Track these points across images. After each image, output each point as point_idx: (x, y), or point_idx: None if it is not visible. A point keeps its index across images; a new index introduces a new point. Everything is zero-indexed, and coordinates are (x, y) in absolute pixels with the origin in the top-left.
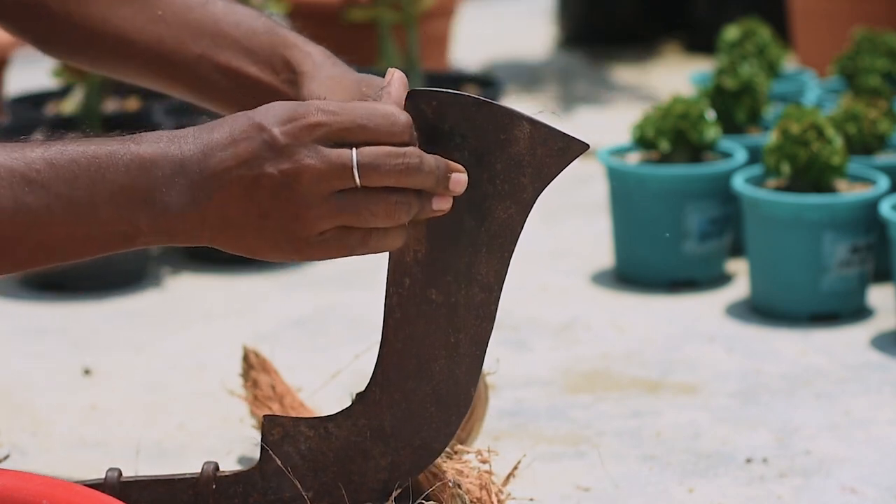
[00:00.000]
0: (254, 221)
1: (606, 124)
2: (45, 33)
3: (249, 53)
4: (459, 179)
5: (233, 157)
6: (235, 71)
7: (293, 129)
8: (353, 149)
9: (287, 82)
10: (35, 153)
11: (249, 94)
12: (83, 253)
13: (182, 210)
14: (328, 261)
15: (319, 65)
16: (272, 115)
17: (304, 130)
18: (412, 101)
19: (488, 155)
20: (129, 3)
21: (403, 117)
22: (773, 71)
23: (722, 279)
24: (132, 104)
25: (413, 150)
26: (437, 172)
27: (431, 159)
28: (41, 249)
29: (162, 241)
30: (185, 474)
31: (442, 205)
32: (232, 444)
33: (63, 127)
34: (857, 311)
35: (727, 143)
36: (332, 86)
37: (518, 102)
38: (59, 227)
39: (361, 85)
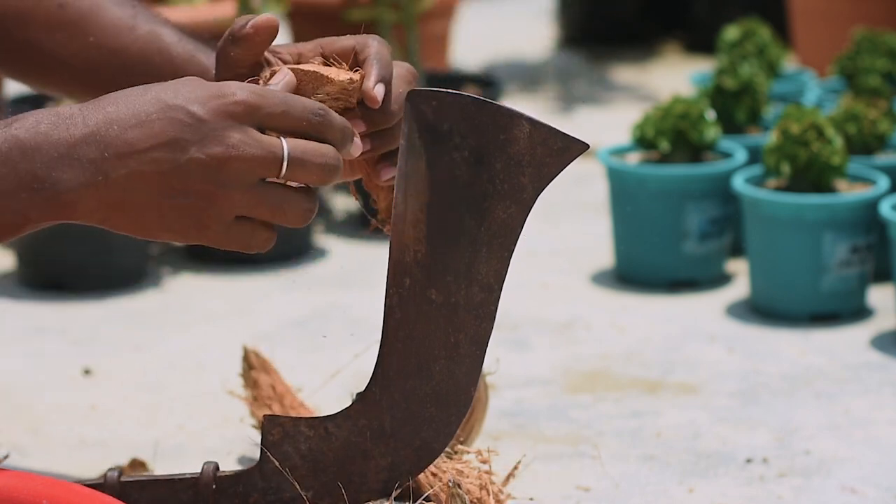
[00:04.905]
0: (159, 201)
1: (606, 124)
2: None
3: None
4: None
5: (146, 138)
6: None
7: (219, 107)
8: (283, 139)
9: None
10: None
11: None
12: None
13: (73, 191)
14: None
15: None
16: (187, 93)
17: (232, 109)
18: (412, 101)
19: (488, 155)
20: (63, 27)
21: (321, 108)
22: (773, 71)
23: (722, 279)
24: None
25: (331, 150)
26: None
27: (341, 162)
28: None
29: (52, 222)
30: (185, 474)
31: None
32: (232, 444)
33: None
34: (857, 311)
35: (727, 143)
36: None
37: (518, 102)
38: None
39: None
